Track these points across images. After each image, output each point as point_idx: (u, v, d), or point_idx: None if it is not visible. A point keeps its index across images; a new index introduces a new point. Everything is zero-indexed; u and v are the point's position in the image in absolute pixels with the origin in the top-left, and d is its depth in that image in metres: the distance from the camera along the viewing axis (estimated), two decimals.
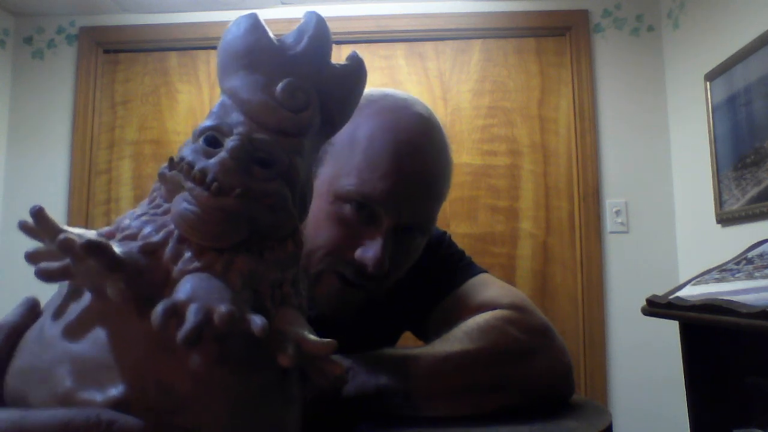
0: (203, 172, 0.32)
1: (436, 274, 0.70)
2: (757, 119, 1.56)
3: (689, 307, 0.68)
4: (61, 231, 0.30)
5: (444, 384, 0.55)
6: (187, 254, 0.32)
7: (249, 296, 0.32)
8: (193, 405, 0.29)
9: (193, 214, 0.32)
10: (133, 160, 2.23)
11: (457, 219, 2.10)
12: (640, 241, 2.06)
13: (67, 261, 0.29)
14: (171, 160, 0.34)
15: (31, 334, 0.33)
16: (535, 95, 2.17)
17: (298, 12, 2.16)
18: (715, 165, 1.75)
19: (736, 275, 0.73)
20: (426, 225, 0.64)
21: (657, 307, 0.75)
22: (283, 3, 2.16)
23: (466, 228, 2.10)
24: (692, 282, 0.78)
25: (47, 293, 0.35)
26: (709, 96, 1.77)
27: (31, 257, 0.31)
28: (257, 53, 0.36)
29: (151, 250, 0.32)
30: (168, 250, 0.32)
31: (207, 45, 2.18)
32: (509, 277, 2.06)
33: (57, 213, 2.16)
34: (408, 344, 0.70)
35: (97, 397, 0.28)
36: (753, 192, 1.57)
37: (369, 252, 0.58)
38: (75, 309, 0.31)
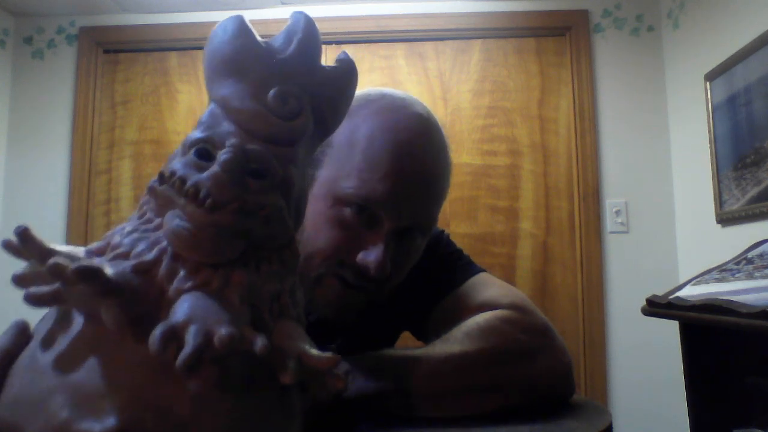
0: (196, 187, 0.31)
1: (434, 274, 0.70)
2: (757, 119, 1.56)
3: (689, 307, 0.68)
4: (49, 251, 0.29)
5: (444, 385, 0.55)
6: (182, 272, 0.31)
7: (247, 312, 0.31)
8: (193, 429, 0.28)
9: (186, 231, 0.31)
10: (133, 160, 2.23)
11: (457, 219, 2.10)
12: (640, 241, 2.06)
13: (57, 285, 0.28)
14: (161, 174, 0.33)
15: (22, 361, 0.31)
16: (535, 95, 2.17)
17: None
18: (715, 165, 1.75)
19: (736, 275, 0.73)
20: (427, 226, 0.64)
21: (657, 307, 0.75)
22: (283, 3, 2.16)
23: (466, 228, 2.10)
24: (692, 282, 0.78)
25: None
26: (709, 96, 1.77)
27: (19, 280, 0.30)
28: (246, 59, 0.35)
29: (145, 269, 0.31)
30: (162, 269, 0.31)
31: None
32: (509, 277, 2.06)
33: (57, 213, 2.16)
34: (407, 344, 0.70)
35: (95, 427, 0.27)
36: (753, 192, 1.57)
37: (371, 255, 0.57)
38: (67, 334, 0.30)
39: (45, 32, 2.29)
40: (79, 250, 0.33)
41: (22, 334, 0.33)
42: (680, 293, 0.74)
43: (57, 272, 0.27)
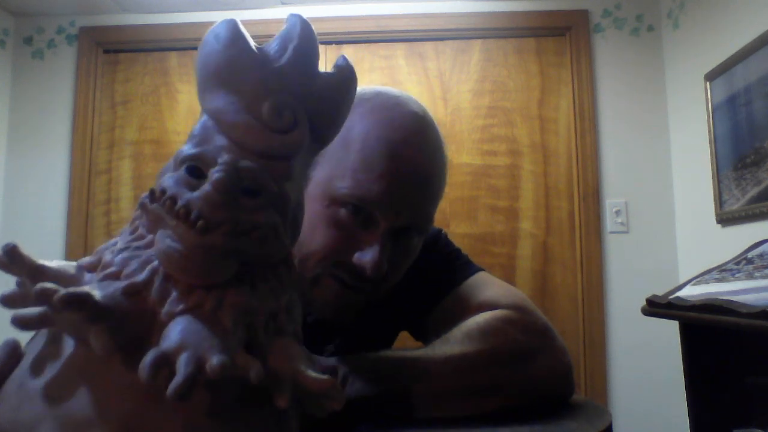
0: (187, 208, 0.30)
1: (433, 274, 0.70)
2: (757, 119, 1.56)
3: (689, 307, 0.68)
4: (38, 269, 0.29)
5: (444, 386, 0.55)
6: (174, 294, 0.30)
7: (242, 334, 0.30)
8: None
9: (177, 252, 0.30)
10: (133, 160, 2.23)
11: (457, 219, 2.10)
12: (640, 241, 2.06)
13: (45, 308, 0.27)
14: (152, 191, 0.32)
15: (11, 384, 0.30)
16: (535, 95, 2.17)
17: (298, 12, 2.15)
18: (715, 165, 1.75)
19: (736, 275, 0.73)
20: (423, 225, 0.63)
21: (657, 307, 0.75)
22: (283, 3, 2.16)
23: (466, 228, 2.10)
24: (692, 282, 0.78)
25: None
26: (709, 96, 1.77)
27: (7, 301, 0.29)
28: (238, 69, 0.34)
29: (136, 291, 0.30)
30: (154, 291, 0.30)
31: None
32: (509, 277, 2.06)
33: (57, 213, 2.16)
34: (406, 344, 0.70)
35: None
36: (753, 192, 1.57)
37: (367, 256, 0.57)
38: (57, 359, 0.29)
39: (45, 32, 2.29)
40: (70, 266, 0.32)
41: (12, 353, 0.32)
42: (680, 293, 0.74)
43: (44, 299, 0.26)
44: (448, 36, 2.20)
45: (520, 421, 0.52)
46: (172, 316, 0.29)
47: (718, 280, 0.74)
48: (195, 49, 0.36)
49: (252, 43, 0.35)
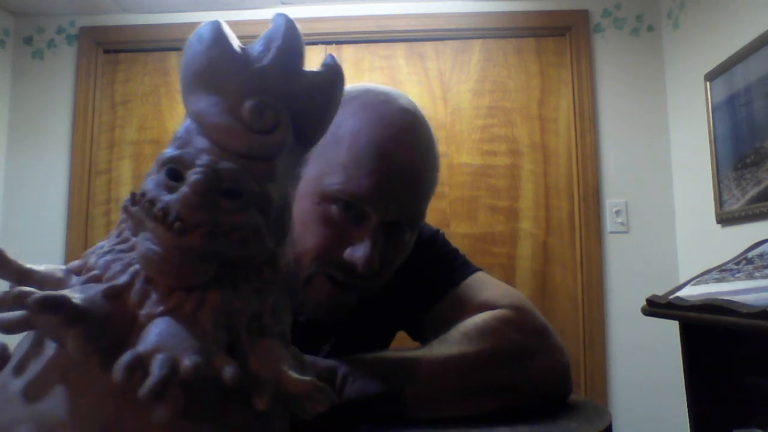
0: (165, 210, 0.30)
1: (431, 274, 0.70)
2: (757, 119, 1.56)
3: (689, 307, 0.68)
4: (25, 273, 0.29)
5: (443, 386, 0.55)
6: (154, 296, 0.30)
7: (222, 335, 0.30)
8: None
9: (156, 255, 0.30)
10: (133, 160, 2.23)
11: (457, 219, 2.10)
12: (640, 241, 2.06)
13: (26, 311, 0.27)
14: (133, 195, 0.32)
15: None
16: (535, 95, 2.17)
17: (298, 12, 2.16)
18: (715, 165, 1.75)
19: (736, 275, 0.73)
20: (415, 220, 0.63)
21: (657, 307, 0.75)
22: (283, 3, 2.16)
23: (466, 228, 2.10)
24: (692, 282, 0.78)
25: None
26: (709, 96, 1.77)
27: None
28: (220, 70, 0.33)
29: (117, 294, 0.30)
30: (134, 293, 0.30)
31: None
32: (509, 277, 2.06)
33: (57, 213, 2.16)
34: (404, 344, 0.70)
35: None
36: (753, 192, 1.57)
37: (358, 251, 0.57)
38: (38, 361, 0.30)
39: (45, 32, 2.28)
40: (59, 269, 0.32)
41: (0, 356, 0.32)
42: (680, 293, 0.74)
43: (20, 302, 0.26)
44: (448, 36, 2.20)
45: (520, 421, 0.52)
46: (151, 318, 0.29)
47: (718, 280, 0.74)
48: None
49: (235, 44, 0.34)
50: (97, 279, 0.31)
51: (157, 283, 0.30)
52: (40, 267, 0.31)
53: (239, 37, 0.36)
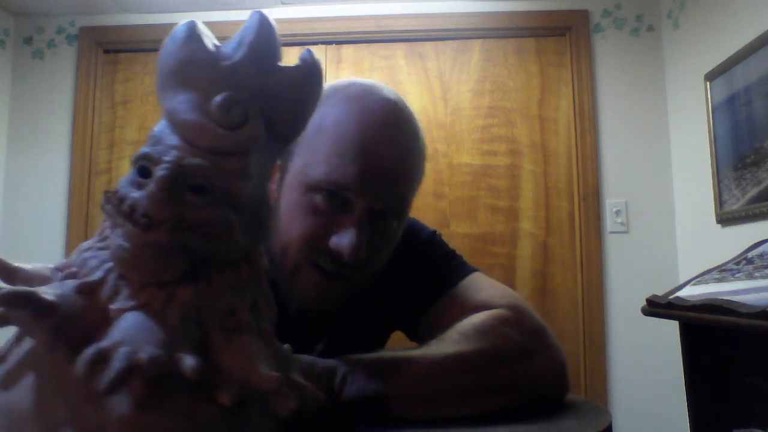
0: (132, 206, 0.30)
1: (428, 275, 0.70)
2: (757, 119, 1.56)
3: (689, 307, 0.68)
4: (13, 271, 0.30)
5: (442, 386, 0.55)
6: (126, 291, 0.30)
7: (192, 331, 0.31)
8: None
9: (125, 251, 0.30)
10: None
11: (457, 219, 2.10)
12: (640, 241, 2.06)
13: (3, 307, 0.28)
14: (106, 193, 0.33)
15: None
16: (535, 95, 2.17)
17: (298, 12, 2.16)
18: (715, 165, 1.75)
19: (736, 275, 0.73)
20: (400, 209, 0.63)
21: (657, 307, 0.76)
22: (283, 3, 2.16)
23: (466, 228, 2.10)
24: (692, 282, 0.78)
25: None
26: (709, 96, 1.77)
27: None
28: (192, 68, 0.34)
29: (90, 289, 0.30)
30: (106, 289, 0.30)
31: None
32: (509, 277, 2.06)
33: (57, 213, 2.16)
34: (402, 345, 0.70)
35: None
36: (753, 192, 1.57)
37: (344, 239, 0.57)
38: (16, 355, 0.30)
39: (45, 32, 2.29)
40: (46, 268, 0.33)
41: None
42: (680, 293, 0.74)
43: None
44: (448, 36, 2.20)
45: (519, 421, 0.52)
46: (122, 313, 0.30)
47: (718, 280, 0.74)
48: None
49: (208, 42, 0.35)
50: (73, 275, 0.31)
51: (130, 279, 0.31)
52: (28, 266, 0.32)
53: None
